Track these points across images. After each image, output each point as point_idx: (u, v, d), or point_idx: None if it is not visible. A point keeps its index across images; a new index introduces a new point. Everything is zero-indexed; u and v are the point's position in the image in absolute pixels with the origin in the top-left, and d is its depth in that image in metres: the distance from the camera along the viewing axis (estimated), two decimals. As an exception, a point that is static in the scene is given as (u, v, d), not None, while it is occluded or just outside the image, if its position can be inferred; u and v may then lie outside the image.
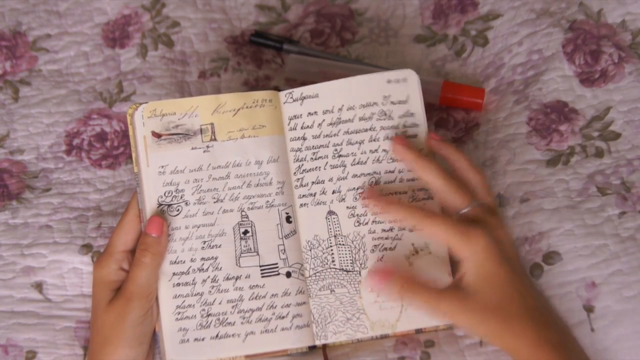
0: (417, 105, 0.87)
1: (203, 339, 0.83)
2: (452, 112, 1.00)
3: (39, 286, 0.92)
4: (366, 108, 0.87)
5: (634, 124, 0.94)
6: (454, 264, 0.85)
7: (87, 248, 0.92)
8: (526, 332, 0.78)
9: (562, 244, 0.88)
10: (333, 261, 0.86)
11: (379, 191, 0.86)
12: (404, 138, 0.86)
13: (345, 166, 0.87)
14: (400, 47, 1.05)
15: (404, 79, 0.88)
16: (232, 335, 0.83)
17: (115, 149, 1.00)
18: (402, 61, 1.04)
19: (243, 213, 0.85)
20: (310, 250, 0.86)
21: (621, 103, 0.95)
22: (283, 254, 0.85)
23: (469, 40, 1.04)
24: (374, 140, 0.87)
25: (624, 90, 0.96)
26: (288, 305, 0.84)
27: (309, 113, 0.87)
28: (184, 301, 0.83)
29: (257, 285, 0.84)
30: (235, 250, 0.84)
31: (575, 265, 0.87)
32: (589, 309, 0.85)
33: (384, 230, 0.86)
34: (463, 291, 0.80)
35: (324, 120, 0.87)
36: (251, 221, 0.85)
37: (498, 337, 0.79)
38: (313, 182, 0.87)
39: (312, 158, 0.87)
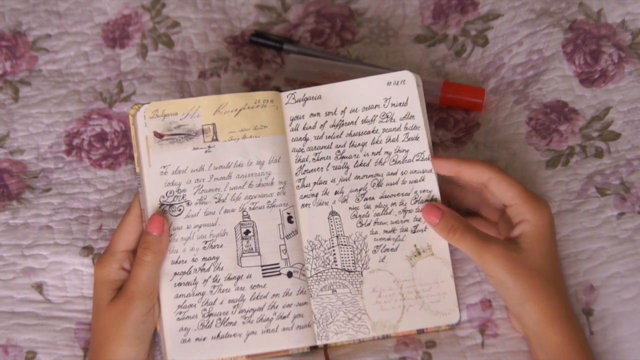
0: (416, 107, 0.87)
1: (204, 339, 0.83)
2: (452, 112, 1.00)
3: (39, 287, 0.92)
4: (368, 110, 0.87)
5: (633, 124, 0.94)
6: (507, 225, 0.86)
7: (87, 250, 0.92)
8: (560, 304, 0.80)
9: (560, 249, 0.88)
10: (335, 261, 0.86)
11: (382, 193, 0.87)
12: (438, 156, 0.87)
13: (348, 167, 0.87)
14: (400, 47, 1.05)
15: (403, 80, 0.88)
16: (234, 335, 0.83)
17: (115, 149, 1.00)
18: (402, 61, 1.04)
19: (244, 213, 0.85)
20: (312, 250, 0.86)
21: (621, 103, 0.96)
22: (284, 254, 0.85)
23: (469, 40, 1.04)
24: (377, 142, 0.87)
25: (623, 90, 0.96)
26: (289, 305, 0.84)
27: (312, 114, 0.87)
28: (185, 301, 0.84)
29: (258, 285, 0.84)
30: (237, 250, 0.85)
31: (574, 270, 0.87)
32: (588, 312, 0.86)
33: (385, 232, 0.86)
34: (515, 245, 0.81)
35: (326, 121, 0.87)
36: (252, 221, 0.85)
37: (530, 299, 0.80)
38: (315, 183, 0.87)
39: (314, 159, 0.87)
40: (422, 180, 0.87)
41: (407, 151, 0.87)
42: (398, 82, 0.88)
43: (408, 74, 0.87)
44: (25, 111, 1.02)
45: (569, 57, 0.98)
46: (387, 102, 0.87)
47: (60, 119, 1.02)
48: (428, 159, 0.87)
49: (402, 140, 0.87)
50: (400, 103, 0.87)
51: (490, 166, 0.83)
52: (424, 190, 0.86)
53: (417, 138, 0.87)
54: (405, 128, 0.87)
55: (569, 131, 0.95)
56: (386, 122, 0.87)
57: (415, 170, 0.87)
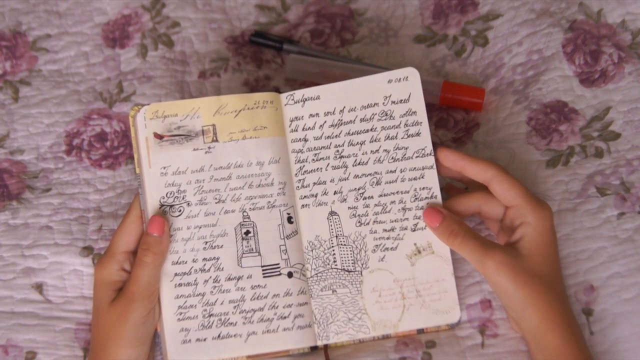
0: (419, 103, 0.87)
1: (205, 340, 0.83)
2: (452, 112, 1.00)
3: (39, 287, 0.92)
4: (367, 109, 0.87)
5: (633, 124, 0.94)
6: (508, 228, 0.85)
7: (87, 250, 0.92)
8: (560, 308, 0.80)
9: (560, 248, 0.88)
10: (334, 261, 0.86)
11: (381, 191, 0.86)
12: (446, 147, 0.86)
13: (346, 167, 0.87)
14: (400, 47, 1.05)
15: (406, 77, 0.87)
16: (234, 335, 0.83)
17: (115, 149, 1.00)
18: (402, 61, 1.04)
19: (245, 213, 0.85)
20: (312, 250, 0.86)
21: (621, 103, 0.96)
22: (284, 254, 0.85)
23: (469, 40, 1.04)
24: (375, 140, 0.87)
25: (623, 90, 0.96)
26: (290, 306, 0.84)
27: (311, 115, 0.87)
28: (185, 301, 0.84)
29: (258, 286, 0.84)
30: (237, 251, 0.85)
31: (574, 270, 0.87)
32: (588, 312, 0.86)
33: (385, 230, 0.86)
34: (516, 251, 0.81)
35: (325, 121, 0.87)
36: (253, 222, 0.85)
37: (531, 305, 0.79)
38: (314, 183, 0.87)
39: (313, 159, 0.87)
40: (422, 177, 0.86)
41: (406, 148, 0.87)
42: (400, 79, 0.87)
43: (412, 70, 0.87)
44: (25, 111, 1.02)
45: (569, 57, 0.98)
46: (386, 100, 0.87)
47: (60, 119, 1.02)
48: (430, 154, 0.86)
49: (402, 138, 0.87)
50: (401, 100, 0.87)
51: (493, 165, 0.83)
52: (423, 188, 0.86)
53: (418, 134, 0.87)
54: (405, 125, 0.87)
55: (569, 131, 0.95)
56: (385, 120, 0.87)
57: (415, 168, 0.86)
